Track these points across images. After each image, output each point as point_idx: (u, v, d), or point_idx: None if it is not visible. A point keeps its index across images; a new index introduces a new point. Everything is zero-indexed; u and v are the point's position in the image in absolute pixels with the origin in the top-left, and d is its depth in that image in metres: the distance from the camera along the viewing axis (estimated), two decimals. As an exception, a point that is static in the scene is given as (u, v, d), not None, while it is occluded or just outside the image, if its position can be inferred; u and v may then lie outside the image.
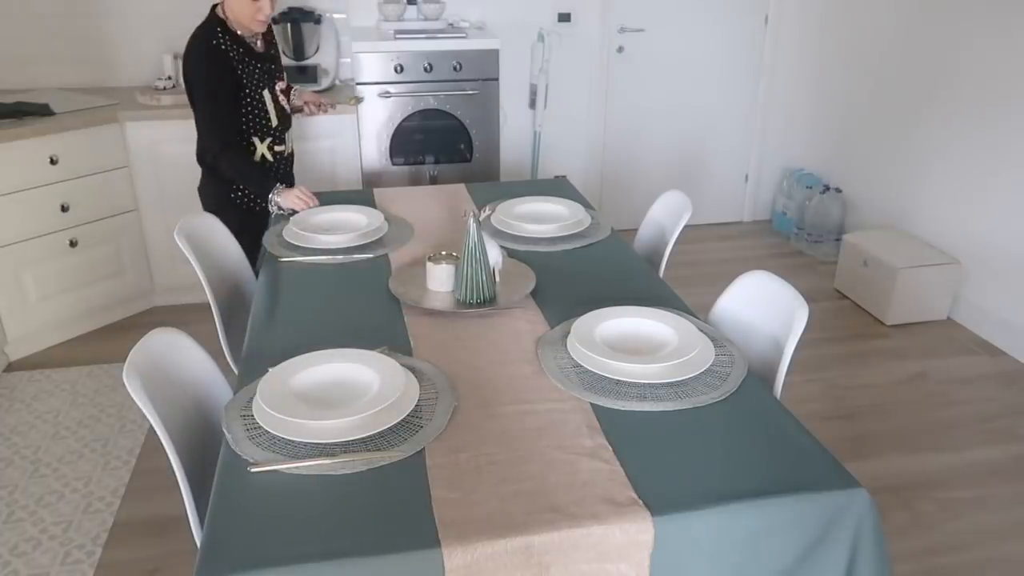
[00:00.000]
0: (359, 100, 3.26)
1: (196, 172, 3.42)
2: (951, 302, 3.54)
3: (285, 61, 3.61)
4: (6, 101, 3.23)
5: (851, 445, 2.70)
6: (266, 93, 2.57)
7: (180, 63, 3.61)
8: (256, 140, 2.59)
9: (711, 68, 4.37)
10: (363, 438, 1.37)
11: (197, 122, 2.55)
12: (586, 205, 2.54)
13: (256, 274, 2.23)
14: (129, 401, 2.87)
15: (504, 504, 1.23)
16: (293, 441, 1.37)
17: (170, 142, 3.36)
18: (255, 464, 1.32)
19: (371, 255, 2.15)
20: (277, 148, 2.65)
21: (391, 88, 3.48)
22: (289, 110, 2.71)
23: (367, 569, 1.13)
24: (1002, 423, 2.83)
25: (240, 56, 2.50)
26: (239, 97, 2.50)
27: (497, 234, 2.27)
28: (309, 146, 3.48)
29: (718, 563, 1.25)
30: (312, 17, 3.62)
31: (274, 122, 2.62)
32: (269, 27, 2.61)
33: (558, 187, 2.74)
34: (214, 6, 2.52)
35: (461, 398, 1.51)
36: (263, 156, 2.62)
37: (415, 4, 3.84)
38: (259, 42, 2.59)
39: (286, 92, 2.70)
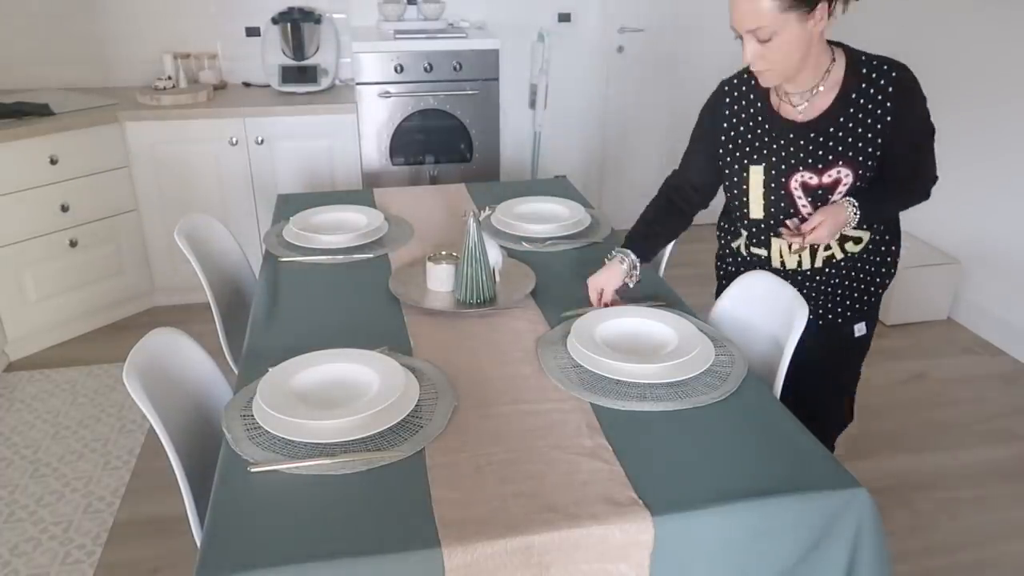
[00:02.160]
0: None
1: (196, 172, 3.44)
2: (951, 302, 3.54)
3: (286, 61, 3.62)
4: (6, 101, 3.23)
5: (851, 445, 2.69)
6: (754, 170, 1.74)
7: (179, 62, 3.64)
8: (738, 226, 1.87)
9: (711, 68, 4.37)
10: (363, 438, 1.37)
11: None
12: (586, 205, 2.54)
13: None
14: (129, 401, 2.87)
15: (504, 504, 1.23)
16: (293, 441, 1.37)
17: (170, 142, 3.36)
18: (255, 464, 1.32)
19: (371, 255, 2.15)
20: (754, 249, 1.85)
21: (391, 88, 3.48)
22: (805, 203, 1.71)
23: (367, 569, 1.13)
24: (1002, 423, 2.83)
25: (747, 113, 1.77)
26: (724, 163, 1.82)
27: (497, 234, 2.27)
28: (309, 146, 3.48)
29: (718, 563, 1.25)
30: (312, 17, 3.62)
31: (752, 211, 1.79)
32: (840, 100, 1.64)
33: (558, 187, 2.74)
34: None
35: (461, 398, 1.51)
36: (737, 250, 1.91)
37: (415, 4, 3.85)
38: (796, 104, 1.68)
39: (810, 192, 1.69)
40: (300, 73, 3.62)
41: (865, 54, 1.67)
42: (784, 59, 1.55)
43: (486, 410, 1.48)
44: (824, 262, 1.78)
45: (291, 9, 3.62)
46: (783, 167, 1.70)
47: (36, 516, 2.35)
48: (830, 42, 1.68)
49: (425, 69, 3.48)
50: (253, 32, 3.80)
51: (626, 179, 4.50)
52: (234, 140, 3.40)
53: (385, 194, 2.67)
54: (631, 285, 1.86)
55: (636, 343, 1.68)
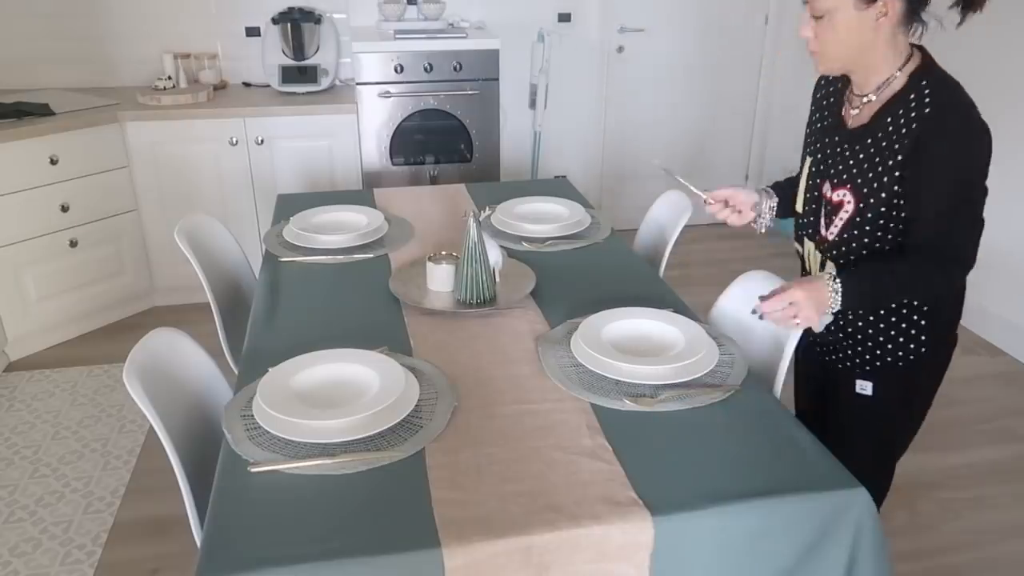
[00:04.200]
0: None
1: (196, 172, 3.43)
2: (951, 302, 3.54)
3: (286, 61, 3.62)
4: (6, 101, 3.23)
5: (851, 445, 2.69)
6: (808, 161, 1.68)
7: (179, 62, 3.64)
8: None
9: (711, 68, 4.37)
10: (363, 438, 1.37)
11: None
12: (586, 205, 2.54)
13: None
14: (129, 401, 2.87)
15: (504, 504, 1.23)
16: (293, 441, 1.37)
17: (170, 142, 3.36)
18: (255, 464, 1.31)
19: (371, 255, 2.15)
20: (796, 244, 1.77)
21: (391, 88, 3.48)
22: (823, 214, 1.60)
23: (367, 569, 1.13)
24: (1002, 423, 2.83)
25: (827, 102, 1.66)
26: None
27: (497, 234, 2.27)
28: (309, 146, 3.48)
29: (718, 563, 1.25)
30: (312, 17, 3.62)
31: (797, 204, 1.72)
32: (911, 92, 1.46)
33: (558, 187, 2.74)
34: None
35: (461, 398, 1.51)
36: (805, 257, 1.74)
37: (415, 4, 3.85)
38: (854, 107, 1.54)
39: (830, 209, 1.57)
40: (300, 73, 3.62)
41: (937, 69, 1.47)
42: (835, 44, 1.42)
43: (486, 410, 1.47)
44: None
45: (291, 9, 3.62)
46: (820, 168, 1.62)
47: (36, 516, 2.35)
48: (916, 46, 1.49)
49: (425, 69, 3.48)
50: (253, 32, 3.80)
51: (626, 179, 4.51)
52: (234, 140, 3.41)
53: (385, 194, 2.67)
54: (760, 224, 1.76)
55: (641, 344, 1.67)
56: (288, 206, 2.52)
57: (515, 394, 1.52)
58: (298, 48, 3.63)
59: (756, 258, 4.16)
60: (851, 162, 1.52)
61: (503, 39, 3.71)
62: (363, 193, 2.69)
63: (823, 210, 1.60)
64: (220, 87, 3.76)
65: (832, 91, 1.63)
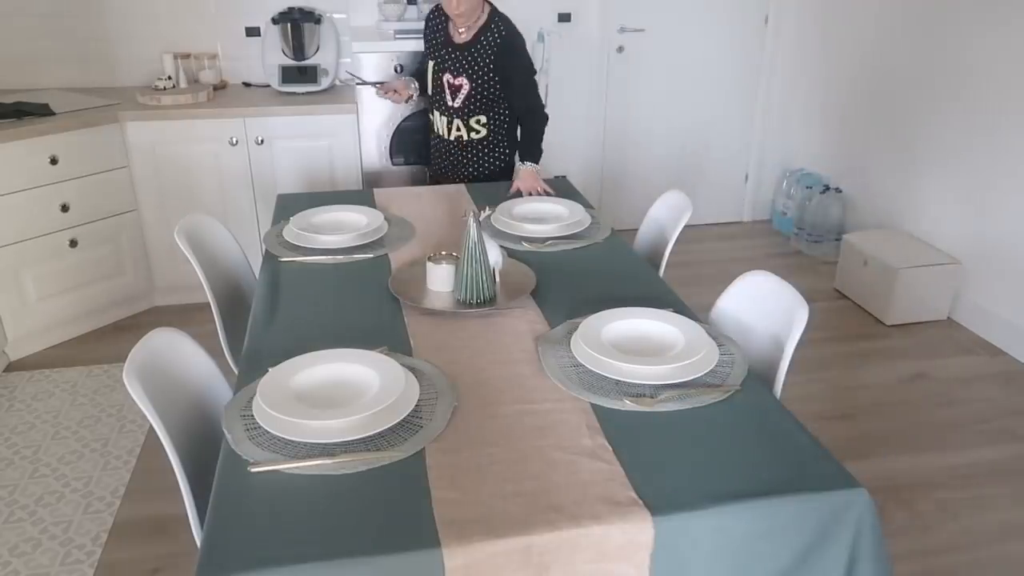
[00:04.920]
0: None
1: (196, 172, 3.44)
2: (951, 302, 3.54)
3: (286, 61, 3.62)
4: (6, 101, 3.23)
5: (851, 445, 2.70)
6: (430, 64, 2.85)
7: (179, 62, 3.65)
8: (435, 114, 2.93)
9: (711, 68, 4.37)
10: (363, 438, 1.37)
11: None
12: (586, 205, 2.54)
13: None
14: (129, 401, 2.87)
15: (504, 504, 1.23)
16: (293, 441, 1.37)
17: (170, 142, 3.36)
18: (255, 464, 1.32)
19: (371, 255, 2.15)
20: (431, 116, 2.95)
21: (391, 88, 3.47)
22: (448, 93, 2.82)
23: (367, 569, 1.13)
24: (1002, 423, 2.83)
25: (439, 29, 2.83)
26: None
27: (497, 234, 2.27)
28: (309, 146, 3.48)
29: (718, 563, 1.25)
30: (312, 17, 3.62)
31: (428, 89, 2.90)
32: (491, 24, 2.70)
33: (558, 187, 2.74)
34: None
35: (461, 398, 1.51)
36: (438, 131, 2.93)
37: (415, 4, 3.84)
38: (463, 32, 2.74)
39: (453, 89, 2.78)
40: (300, 73, 3.62)
41: (499, 12, 2.74)
42: (468, 5, 2.62)
43: (486, 410, 1.48)
44: (456, 139, 2.86)
45: (291, 9, 3.62)
46: (441, 66, 2.80)
47: (36, 516, 2.35)
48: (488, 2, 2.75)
49: (425, 69, 3.47)
50: (253, 32, 3.80)
51: (626, 179, 4.51)
52: (234, 140, 3.41)
53: (385, 194, 2.67)
54: (411, 100, 3.03)
55: (641, 344, 1.67)
56: (288, 206, 2.52)
57: (515, 394, 1.53)
58: (298, 48, 3.63)
59: (756, 258, 4.16)
60: (463, 63, 2.74)
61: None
62: (363, 193, 2.69)
63: (447, 91, 2.80)
64: (220, 87, 3.76)
65: (439, 23, 2.82)
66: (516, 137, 2.88)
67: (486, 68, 2.70)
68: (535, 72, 2.77)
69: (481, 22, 2.69)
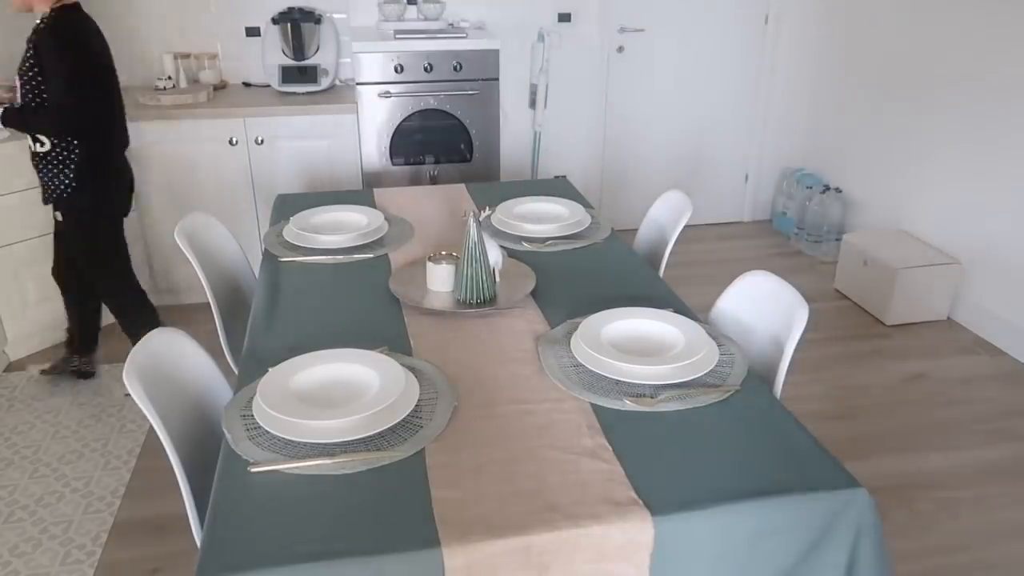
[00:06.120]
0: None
1: (196, 172, 3.44)
2: (951, 302, 3.54)
3: (286, 61, 3.63)
4: (6, 101, 3.23)
5: (851, 445, 2.70)
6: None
7: (179, 62, 3.65)
8: None
9: (711, 68, 4.37)
10: (363, 438, 1.37)
11: None
12: (586, 205, 2.54)
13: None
14: (129, 401, 2.87)
15: (504, 504, 1.24)
16: (293, 441, 1.37)
17: (170, 142, 3.36)
18: (255, 464, 1.32)
19: (371, 255, 2.15)
20: None
21: (391, 88, 3.48)
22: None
23: (367, 569, 1.13)
24: (1002, 423, 2.83)
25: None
26: None
27: (497, 234, 2.28)
28: (309, 146, 3.48)
29: (718, 563, 1.25)
30: (312, 17, 3.62)
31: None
32: (44, 26, 2.65)
33: (558, 187, 2.74)
34: None
35: (461, 398, 1.51)
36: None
37: (415, 4, 3.85)
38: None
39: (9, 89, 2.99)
40: (300, 73, 3.62)
41: (57, 17, 2.67)
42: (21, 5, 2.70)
43: (486, 410, 1.48)
44: (32, 153, 2.70)
45: (291, 9, 3.62)
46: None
47: (36, 516, 2.35)
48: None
49: (425, 69, 3.48)
50: (253, 32, 3.80)
51: (626, 179, 4.51)
52: (234, 140, 3.41)
53: (385, 194, 2.67)
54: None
55: (641, 344, 1.68)
56: (288, 206, 2.52)
57: (515, 394, 1.53)
58: (298, 48, 3.63)
59: (756, 258, 4.16)
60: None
61: (503, 39, 3.72)
62: (363, 193, 2.69)
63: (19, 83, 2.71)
64: (220, 87, 3.75)
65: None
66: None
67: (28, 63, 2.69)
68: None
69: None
